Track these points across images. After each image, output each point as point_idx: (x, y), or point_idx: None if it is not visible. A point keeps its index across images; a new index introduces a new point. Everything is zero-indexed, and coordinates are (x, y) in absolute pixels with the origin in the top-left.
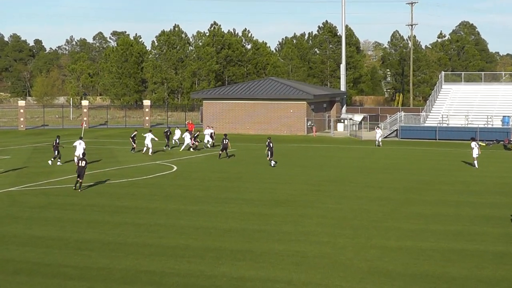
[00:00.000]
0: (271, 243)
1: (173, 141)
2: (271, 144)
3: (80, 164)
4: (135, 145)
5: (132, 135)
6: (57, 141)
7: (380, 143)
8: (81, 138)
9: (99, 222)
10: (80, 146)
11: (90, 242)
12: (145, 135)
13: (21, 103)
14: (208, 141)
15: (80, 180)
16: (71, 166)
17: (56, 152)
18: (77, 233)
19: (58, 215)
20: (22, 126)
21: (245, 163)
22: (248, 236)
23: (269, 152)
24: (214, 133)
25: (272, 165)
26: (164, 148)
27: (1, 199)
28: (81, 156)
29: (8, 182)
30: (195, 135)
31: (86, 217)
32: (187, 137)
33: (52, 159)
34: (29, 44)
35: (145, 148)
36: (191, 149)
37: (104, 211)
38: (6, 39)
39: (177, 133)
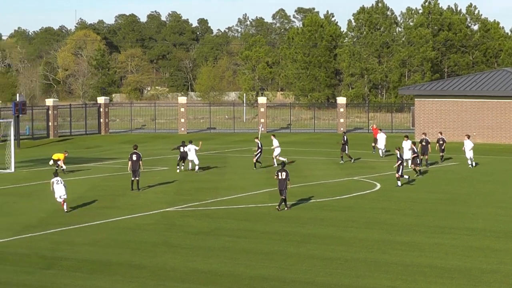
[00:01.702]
0: None
1: (380, 151)
2: None
3: (280, 176)
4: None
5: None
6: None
7: None
8: (190, 142)
9: (279, 255)
10: (191, 153)
11: (268, 279)
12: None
13: (182, 99)
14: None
15: (282, 197)
16: (241, 181)
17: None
18: (251, 267)
19: (228, 244)
20: (183, 128)
21: (472, 181)
22: (474, 279)
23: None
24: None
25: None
26: (342, 161)
27: (157, 222)
28: (280, 166)
29: (165, 200)
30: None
31: (259, 247)
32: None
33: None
34: (191, 25)
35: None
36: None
37: (285, 240)
38: (163, 18)
39: (381, 138)
